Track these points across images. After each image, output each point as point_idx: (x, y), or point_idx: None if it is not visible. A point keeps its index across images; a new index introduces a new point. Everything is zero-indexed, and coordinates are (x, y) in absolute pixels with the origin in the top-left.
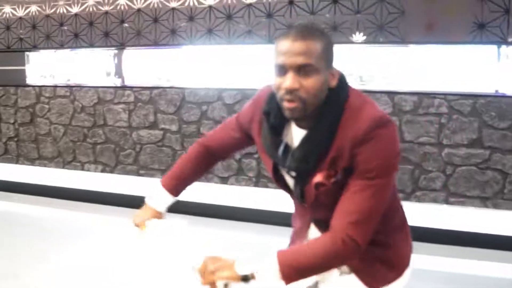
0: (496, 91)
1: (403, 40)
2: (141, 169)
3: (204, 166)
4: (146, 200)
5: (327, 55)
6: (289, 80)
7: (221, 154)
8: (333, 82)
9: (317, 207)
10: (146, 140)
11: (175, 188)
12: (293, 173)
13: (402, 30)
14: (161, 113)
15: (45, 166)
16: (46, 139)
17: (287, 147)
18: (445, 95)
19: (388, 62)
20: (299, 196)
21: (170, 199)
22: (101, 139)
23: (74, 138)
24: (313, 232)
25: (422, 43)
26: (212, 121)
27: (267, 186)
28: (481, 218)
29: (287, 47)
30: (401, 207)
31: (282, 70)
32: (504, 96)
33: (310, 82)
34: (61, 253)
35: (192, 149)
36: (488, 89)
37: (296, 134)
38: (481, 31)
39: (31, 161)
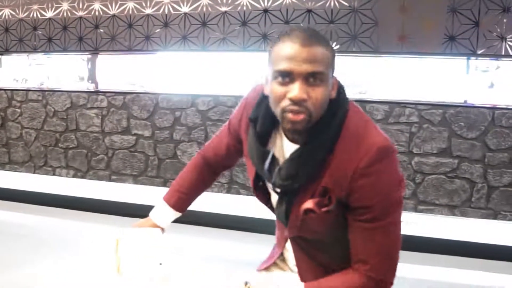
0: (465, 101)
1: (375, 50)
2: (113, 175)
3: (204, 177)
4: (150, 214)
5: (333, 63)
6: (297, 90)
7: (219, 163)
8: (333, 93)
9: (301, 230)
10: (119, 145)
11: (177, 201)
12: (278, 190)
13: (375, 40)
14: (134, 119)
15: (15, 170)
16: (18, 144)
17: (274, 160)
18: (415, 104)
19: (360, 72)
20: (283, 216)
21: (172, 213)
22: (73, 144)
23: (46, 143)
24: (290, 246)
25: (394, 53)
26: (185, 127)
27: (239, 193)
28: (449, 226)
29: (295, 52)
30: None
31: (287, 77)
32: (472, 107)
33: (319, 93)
34: (29, 259)
35: (191, 161)
36: (458, 100)
37: (286, 147)
38: (452, 42)
39: (2, 166)
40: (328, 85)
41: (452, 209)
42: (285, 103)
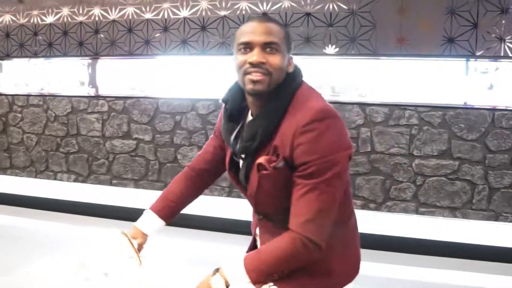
0: (465, 103)
1: (374, 52)
2: (114, 179)
3: (192, 187)
4: (135, 223)
5: (287, 41)
6: (256, 55)
7: (207, 171)
8: (290, 68)
9: (259, 197)
10: (119, 149)
11: (162, 210)
12: (242, 155)
13: (374, 43)
14: (134, 123)
15: (17, 175)
16: (19, 148)
17: (241, 133)
18: (415, 106)
19: (360, 74)
20: (244, 181)
21: (157, 222)
22: (74, 148)
23: (47, 148)
24: (260, 229)
25: (393, 55)
26: (185, 131)
27: (240, 197)
28: (451, 227)
29: (253, 27)
30: (351, 211)
31: (247, 48)
32: (472, 108)
33: (275, 59)
34: (31, 263)
35: (179, 174)
36: (457, 101)
37: (250, 118)
38: (451, 44)
39: (3, 170)
40: (283, 56)
41: (453, 211)
42: (246, 66)
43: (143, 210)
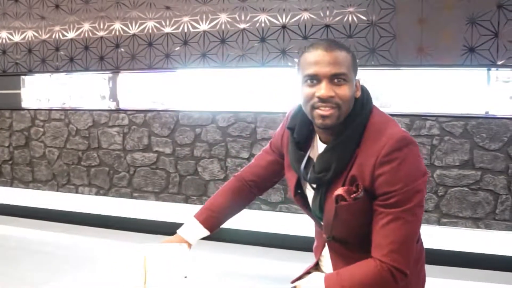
0: (487, 112)
1: (395, 63)
2: (134, 192)
3: (239, 199)
4: (178, 230)
5: (354, 66)
6: (324, 89)
7: (257, 183)
8: (358, 93)
9: (335, 225)
10: (140, 162)
11: (206, 219)
12: (314, 185)
13: (394, 53)
14: (155, 136)
15: (39, 189)
16: (41, 162)
17: (310, 161)
18: (436, 117)
19: (380, 85)
20: (317, 210)
21: (201, 230)
22: (95, 162)
23: (69, 161)
24: (327, 251)
25: (414, 66)
26: (206, 143)
27: (260, 209)
28: (474, 238)
29: (319, 57)
30: (419, 237)
31: (314, 80)
32: (494, 118)
33: (343, 90)
34: (52, 277)
35: (225, 183)
36: (479, 111)
37: (320, 148)
38: (471, 54)
39: (26, 184)
40: (351, 84)
41: (476, 222)
42: (314, 100)
43: (164, 222)
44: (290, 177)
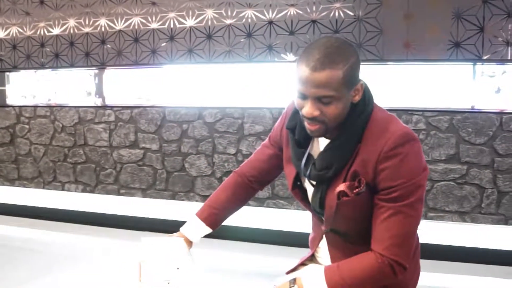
0: (472, 107)
1: (381, 58)
2: (121, 189)
3: (240, 194)
4: (180, 228)
5: (350, 79)
6: (308, 108)
7: (257, 178)
8: (357, 98)
9: (335, 218)
10: (127, 159)
11: (208, 216)
12: (314, 182)
13: (380, 48)
14: (141, 132)
15: (25, 186)
16: (26, 160)
17: (310, 158)
18: (423, 111)
19: (366, 80)
20: (317, 206)
21: (203, 228)
22: (81, 159)
23: (55, 158)
24: (324, 243)
25: (400, 61)
26: (192, 139)
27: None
28: (460, 232)
29: (306, 77)
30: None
31: (302, 95)
32: (480, 112)
33: (331, 109)
34: (38, 274)
35: (225, 180)
36: (465, 105)
37: (321, 143)
38: (457, 49)
39: (11, 182)
40: (342, 100)
41: (462, 216)
42: (302, 113)
43: (151, 219)
44: (289, 172)
